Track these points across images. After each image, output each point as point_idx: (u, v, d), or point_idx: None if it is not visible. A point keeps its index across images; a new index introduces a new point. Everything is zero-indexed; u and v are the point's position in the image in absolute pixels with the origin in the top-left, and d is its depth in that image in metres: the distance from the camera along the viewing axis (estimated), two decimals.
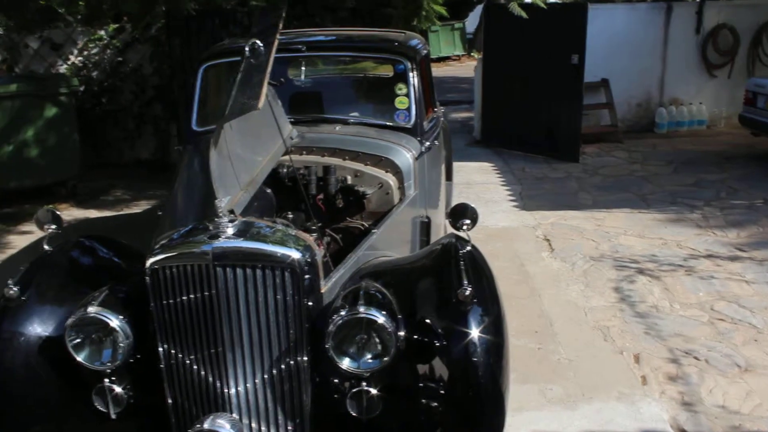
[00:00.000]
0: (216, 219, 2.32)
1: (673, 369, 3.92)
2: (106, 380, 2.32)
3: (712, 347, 4.13)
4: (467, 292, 2.27)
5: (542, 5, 7.62)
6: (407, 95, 3.89)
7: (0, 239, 6.47)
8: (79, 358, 2.29)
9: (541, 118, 9.04)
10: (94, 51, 8.94)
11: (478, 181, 8.04)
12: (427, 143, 3.96)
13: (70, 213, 7.29)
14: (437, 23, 9.48)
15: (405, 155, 3.61)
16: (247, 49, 2.79)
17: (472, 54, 22.81)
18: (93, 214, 7.27)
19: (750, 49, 10.36)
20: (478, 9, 22.86)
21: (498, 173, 8.45)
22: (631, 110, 10.40)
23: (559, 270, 5.37)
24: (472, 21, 24.23)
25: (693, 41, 10.23)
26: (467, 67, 19.21)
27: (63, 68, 8.85)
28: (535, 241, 6.06)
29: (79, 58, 8.94)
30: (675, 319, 4.49)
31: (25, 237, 6.39)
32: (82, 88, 8.56)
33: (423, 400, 2.26)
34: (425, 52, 4.42)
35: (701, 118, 10.44)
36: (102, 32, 9.02)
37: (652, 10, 10.26)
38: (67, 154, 7.62)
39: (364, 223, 3.38)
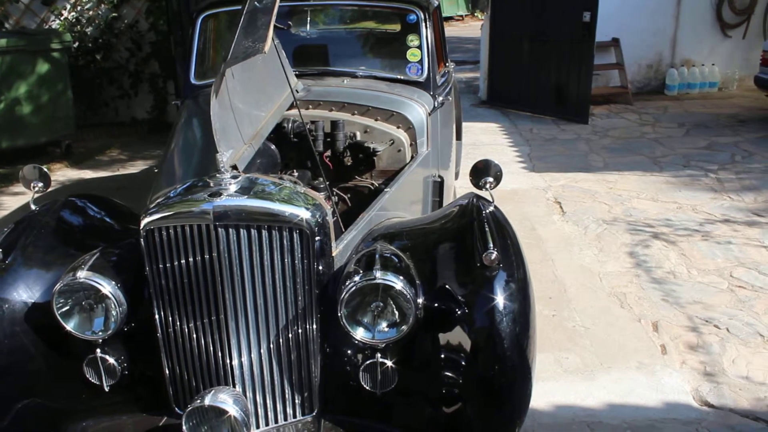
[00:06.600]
0: (217, 175, 2.11)
1: (694, 338, 3.75)
2: (98, 350, 2.13)
3: (732, 315, 3.96)
4: (493, 256, 2.06)
5: None
6: (419, 47, 3.67)
7: None
8: (69, 327, 2.10)
9: (550, 78, 8.79)
10: (88, 6, 8.63)
11: (485, 142, 7.80)
12: (440, 98, 3.75)
13: (64, 173, 7.09)
14: None
15: (417, 110, 3.40)
16: None
17: (475, 14, 22.37)
18: (88, 174, 7.06)
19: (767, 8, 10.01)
20: None
21: (505, 134, 8.21)
22: (641, 71, 10.10)
23: (572, 234, 5.19)
24: None
25: None
26: (471, 28, 18.81)
27: (56, 24, 8.54)
28: (545, 203, 5.86)
29: (72, 14, 8.62)
30: (693, 286, 4.32)
31: (17, 198, 6.19)
32: (75, 45, 8.28)
33: (443, 373, 2.07)
34: (437, 2, 4.18)
35: (713, 80, 10.15)
36: None
37: None
38: (61, 113, 7.41)
39: (374, 182, 3.19)
